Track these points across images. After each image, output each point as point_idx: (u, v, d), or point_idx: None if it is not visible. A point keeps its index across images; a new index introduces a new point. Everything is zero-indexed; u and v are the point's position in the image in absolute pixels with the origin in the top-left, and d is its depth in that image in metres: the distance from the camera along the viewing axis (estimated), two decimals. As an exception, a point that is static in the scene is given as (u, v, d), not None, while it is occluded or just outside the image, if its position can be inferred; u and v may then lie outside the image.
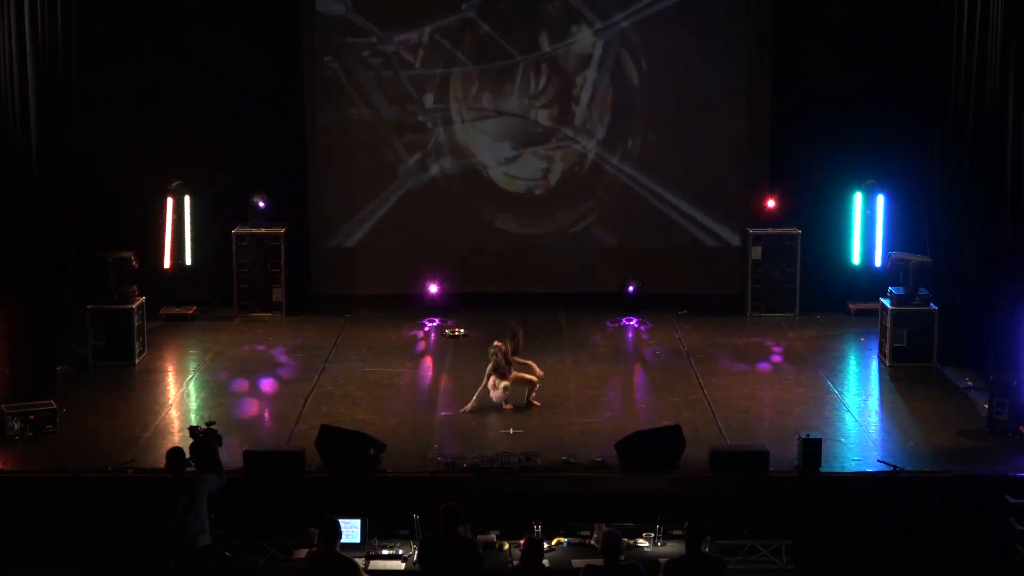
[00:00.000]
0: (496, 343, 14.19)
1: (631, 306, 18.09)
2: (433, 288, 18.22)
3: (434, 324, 17.44)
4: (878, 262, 17.36)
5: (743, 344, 16.68)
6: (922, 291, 15.89)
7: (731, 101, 18.48)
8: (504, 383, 14.04)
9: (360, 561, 10.60)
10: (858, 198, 17.64)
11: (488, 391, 14.10)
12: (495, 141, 18.70)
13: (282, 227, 17.96)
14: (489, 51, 18.45)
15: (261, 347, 16.63)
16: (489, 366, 14.11)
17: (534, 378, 14.26)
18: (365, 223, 18.79)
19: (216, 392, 14.92)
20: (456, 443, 13.12)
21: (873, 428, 13.80)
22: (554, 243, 18.88)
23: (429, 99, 18.52)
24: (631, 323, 17.61)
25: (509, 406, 14.02)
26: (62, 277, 15.71)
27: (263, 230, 17.89)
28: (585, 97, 18.56)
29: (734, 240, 18.55)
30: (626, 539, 11.06)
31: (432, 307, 18.00)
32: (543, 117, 18.62)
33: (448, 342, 16.83)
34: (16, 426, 13.28)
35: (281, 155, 18.30)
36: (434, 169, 18.72)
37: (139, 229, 17.54)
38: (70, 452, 12.89)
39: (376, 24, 18.38)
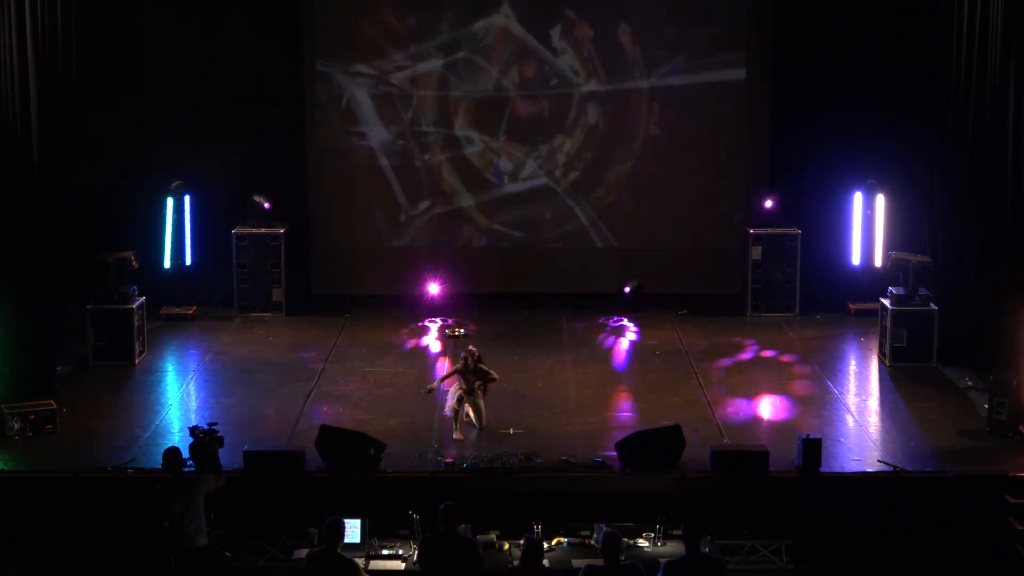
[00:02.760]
0: (471, 347, 13.90)
1: (630, 306, 18.09)
2: (433, 288, 18.23)
3: (435, 324, 17.43)
4: (878, 262, 17.35)
5: (743, 344, 16.67)
6: (922, 291, 15.88)
7: (731, 101, 18.48)
8: (460, 392, 13.40)
9: (360, 561, 10.61)
10: (858, 198, 17.64)
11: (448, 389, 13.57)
12: (496, 141, 18.69)
13: (282, 227, 17.96)
14: (490, 49, 18.48)
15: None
16: (458, 365, 13.61)
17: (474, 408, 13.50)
18: (365, 223, 18.79)
19: (216, 392, 14.91)
20: (456, 443, 13.10)
21: (873, 428, 13.79)
22: (554, 243, 18.88)
23: (429, 97, 18.56)
24: (621, 323, 17.61)
25: (459, 435, 13.25)
26: (62, 277, 15.70)
27: (263, 230, 17.89)
28: (585, 97, 18.56)
29: (734, 240, 18.54)
30: (626, 539, 11.07)
31: (432, 307, 18.00)
32: (543, 118, 18.63)
33: (447, 343, 16.81)
34: (16, 426, 13.28)
35: (281, 155, 18.31)
36: (434, 169, 18.72)
37: (139, 229, 17.56)
38: (70, 452, 12.88)
39: (375, 24, 18.42)
